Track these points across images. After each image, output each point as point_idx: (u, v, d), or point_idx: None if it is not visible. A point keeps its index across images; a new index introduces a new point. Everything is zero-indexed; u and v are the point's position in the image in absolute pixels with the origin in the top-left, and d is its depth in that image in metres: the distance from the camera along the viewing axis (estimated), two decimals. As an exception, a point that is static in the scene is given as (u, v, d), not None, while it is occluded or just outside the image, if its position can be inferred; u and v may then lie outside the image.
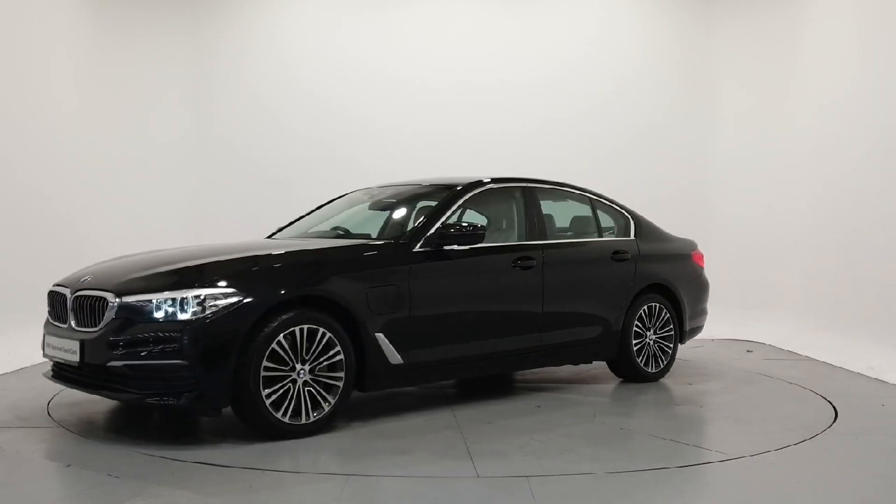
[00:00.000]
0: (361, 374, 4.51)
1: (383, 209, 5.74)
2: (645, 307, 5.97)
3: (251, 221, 8.66)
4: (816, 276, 8.00)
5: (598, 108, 9.39)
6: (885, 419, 4.96)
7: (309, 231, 5.63)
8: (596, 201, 6.15)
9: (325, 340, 4.27)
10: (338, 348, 4.32)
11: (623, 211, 6.27)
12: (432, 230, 4.94)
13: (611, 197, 6.31)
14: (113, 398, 4.22)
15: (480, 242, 5.05)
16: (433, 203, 5.39)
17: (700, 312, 6.55)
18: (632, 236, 6.15)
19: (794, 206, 8.57)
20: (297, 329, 4.17)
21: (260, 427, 4.15)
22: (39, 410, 4.88)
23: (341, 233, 5.49)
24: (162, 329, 3.98)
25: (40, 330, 4.83)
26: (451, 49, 9.38)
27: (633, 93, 9.45)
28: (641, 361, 5.95)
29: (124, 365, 4.02)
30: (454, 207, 5.19)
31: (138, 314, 4.04)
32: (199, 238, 8.13)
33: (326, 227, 5.62)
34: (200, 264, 4.34)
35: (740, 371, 6.55)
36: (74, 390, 4.63)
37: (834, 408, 5.16)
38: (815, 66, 8.29)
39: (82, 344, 4.18)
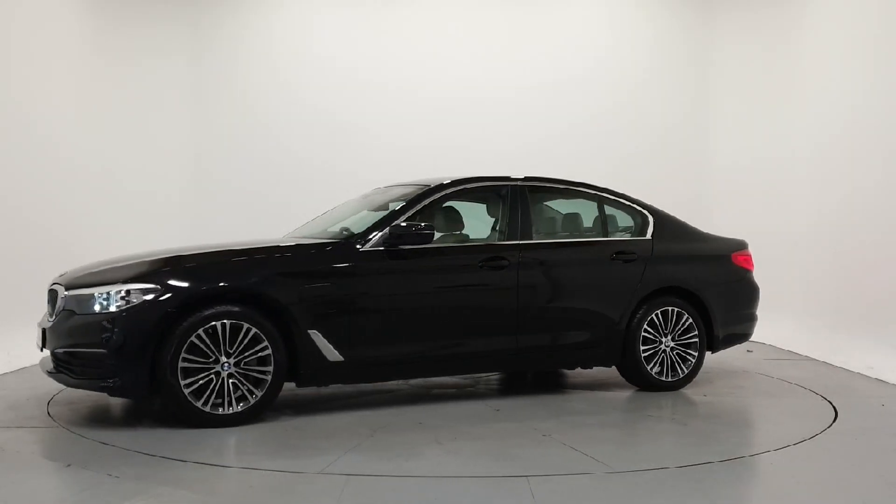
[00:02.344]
0: (297, 369, 4.65)
1: (381, 209, 5.73)
2: (658, 311, 5.60)
3: (251, 222, 8.67)
4: (816, 276, 8.00)
5: (602, 113, 9.37)
6: (885, 419, 4.97)
7: (326, 231, 5.61)
8: (608, 199, 5.84)
9: (250, 335, 4.45)
10: (264, 343, 4.48)
11: (642, 210, 5.90)
12: (384, 230, 4.96)
13: (631, 195, 5.97)
14: (60, 382, 4.55)
15: (429, 242, 5.01)
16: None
17: (741, 319, 6.04)
18: (647, 236, 5.78)
19: (794, 207, 8.57)
20: (218, 324, 4.39)
21: (181, 414, 4.40)
22: (39, 410, 4.88)
23: (344, 233, 5.48)
24: (92, 320, 4.37)
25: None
26: (451, 52, 9.37)
27: (636, 97, 9.43)
28: (653, 369, 5.57)
29: (65, 352, 4.48)
30: (418, 207, 5.17)
31: (78, 306, 4.46)
32: (198, 238, 8.12)
33: (337, 227, 5.59)
34: (136, 262, 4.68)
35: (741, 371, 6.55)
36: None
37: (834, 408, 5.16)
38: (816, 69, 8.29)
39: (43, 332, 4.68)
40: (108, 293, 4.37)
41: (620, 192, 5.96)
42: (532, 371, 6.35)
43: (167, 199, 9.03)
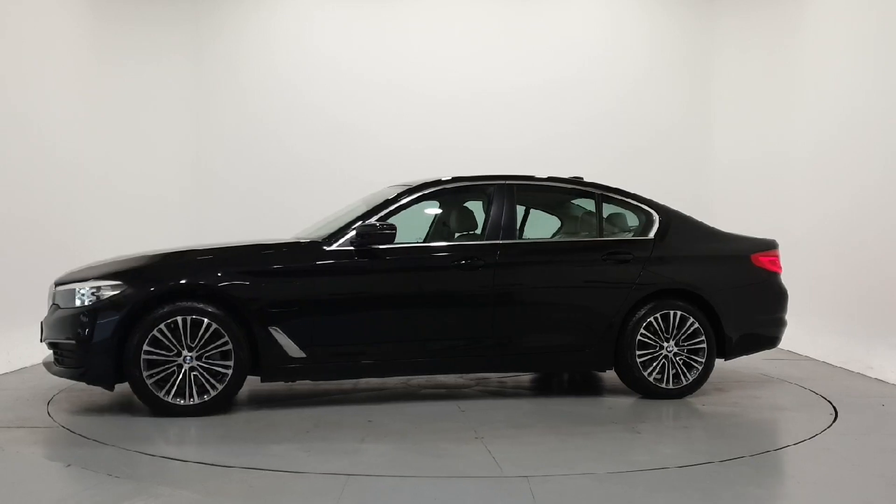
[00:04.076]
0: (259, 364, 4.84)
1: None
2: (658, 315, 5.32)
3: (252, 222, 8.67)
4: (817, 276, 7.99)
5: (603, 112, 9.36)
6: (885, 419, 4.97)
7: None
8: (609, 198, 5.62)
9: (210, 330, 4.66)
10: (225, 339, 4.67)
11: (648, 209, 5.62)
12: (351, 230, 5.03)
13: (639, 194, 5.72)
14: (49, 370, 4.90)
15: (391, 242, 5.02)
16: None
17: (761, 324, 5.67)
18: (650, 235, 5.52)
19: (794, 206, 8.57)
20: (179, 319, 4.62)
21: (146, 403, 4.68)
22: (39, 410, 4.89)
23: None
24: (70, 313, 4.70)
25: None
26: (451, 52, 9.36)
27: (637, 95, 9.42)
28: (652, 375, 5.29)
29: (50, 343, 4.87)
30: (393, 207, 5.20)
31: (62, 300, 4.81)
32: (198, 238, 8.12)
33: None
34: (116, 261, 5.00)
35: (740, 371, 6.55)
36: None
37: (834, 408, 5.16)
38: (818, 66, 8.29)
39: (41, 325, 4.98)
40: (84, 289, 4.72)
41: (626, 190, 5.74)
42: (540, 373, 6.25)
43: (168, 199, 9.03)
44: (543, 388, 5.99)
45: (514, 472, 3.70)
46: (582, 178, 5.78)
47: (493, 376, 6.15)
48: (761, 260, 5.71)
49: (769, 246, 5.83)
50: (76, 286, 4.76)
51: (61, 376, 4.83)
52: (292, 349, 4.81)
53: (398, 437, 4.34)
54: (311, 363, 4.87)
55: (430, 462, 3.88)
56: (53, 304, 4.89)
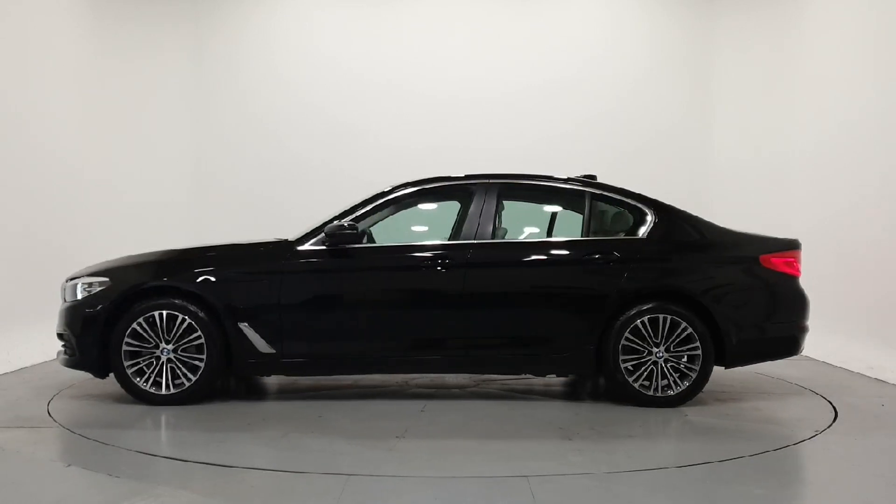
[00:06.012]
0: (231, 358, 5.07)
1: None
2: (645, 318, 5.04)
3: (253, 222, 8.68)
4: (817, 276, 7.99)
5: (603, 111, 9.38)
6: (885, 419, 4.96)
7: None
8: (601, 196, 5.42)
9: (184, 325, 4.94)
10: (198, 333, 4.93)
11: (643, 207, 5.35)
12: (321, 231, 5.15)
13: (636, 192, 5.47)
14: (57, 359, 5.26)
15: (357, 242, 5.12)
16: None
17: (771, 330, 5.23)
18: (641, 235, 5.28)
19: (794, 205, 8.57)
20: (156, 314, 4.92)
21: (127, 391, 4.98)
22: (39, 410, 4.89)
23: None
24: (70, 306, 5.09)
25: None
26: (452, 52, 9.37)
27: (638, 94, 9.44)
28: (638, 382, 5.04)
29: (57, 333, 5.21)
30: (369, 207, 5.28)
31: (67, 294, 5.17)
32: (200, 238, 8.12)
33: None
34: (110, 260, 5.31)
35: (739, 370, 6.54)
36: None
37: (834, 408, 5.16)
38: (819, 64, 8.30)
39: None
40: (80, 284, 5.08)
41: (619, 188, 5.50)
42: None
43: (168, 199, 9.04)
44: (558, 392, 5.88)
45: (393, 472, 3.67)
46: (595, 177, 5.70)
47: (504, 378, 6.11)
48: (773, 261, 5.27)
49: (784, 247, 5.36)
50: (76, 281, 5.12)
51: (63, 364, 5.13)
52: (261, 345, 4.99)
53: (325, 433, 4.37)
54: (280, 359, 5.02)
55: (324, 458, 3.88)
56: (63, 297, 5.23)
